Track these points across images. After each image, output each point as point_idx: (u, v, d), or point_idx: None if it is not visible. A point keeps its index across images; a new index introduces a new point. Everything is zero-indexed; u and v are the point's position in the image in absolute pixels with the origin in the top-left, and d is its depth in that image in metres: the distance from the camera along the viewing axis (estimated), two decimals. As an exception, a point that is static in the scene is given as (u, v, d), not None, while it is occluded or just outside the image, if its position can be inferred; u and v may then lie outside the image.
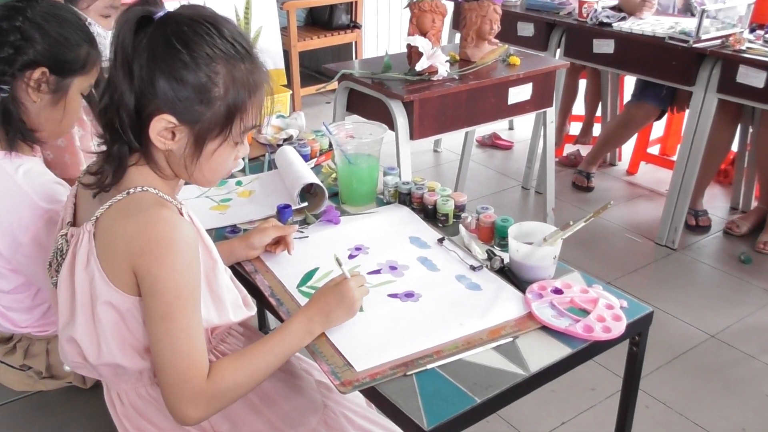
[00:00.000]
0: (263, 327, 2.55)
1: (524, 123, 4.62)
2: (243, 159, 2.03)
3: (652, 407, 2.42)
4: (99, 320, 1.14)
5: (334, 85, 2.84)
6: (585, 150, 4.25)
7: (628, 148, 4.24)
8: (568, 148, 4.37)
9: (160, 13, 1.12)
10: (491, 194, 3.97)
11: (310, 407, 1.41)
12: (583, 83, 4.33)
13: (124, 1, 1.97)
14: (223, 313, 1.26)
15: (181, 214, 1.18)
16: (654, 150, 4.29)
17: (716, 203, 3.84)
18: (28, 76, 1.44)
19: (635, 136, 4.06)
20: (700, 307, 2.99)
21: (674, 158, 4.18)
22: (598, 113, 4.38)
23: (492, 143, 4.53)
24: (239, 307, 1.30)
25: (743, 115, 3.50)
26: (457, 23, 2.95)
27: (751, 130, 3.62)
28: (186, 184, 1.31)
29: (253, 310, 1.33)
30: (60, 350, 1.24)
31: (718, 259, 3.35)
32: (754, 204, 3.69)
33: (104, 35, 1.89)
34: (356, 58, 5.07)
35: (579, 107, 4.48)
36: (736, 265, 3.29)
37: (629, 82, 4.14)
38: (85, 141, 1.83)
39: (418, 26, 2.74)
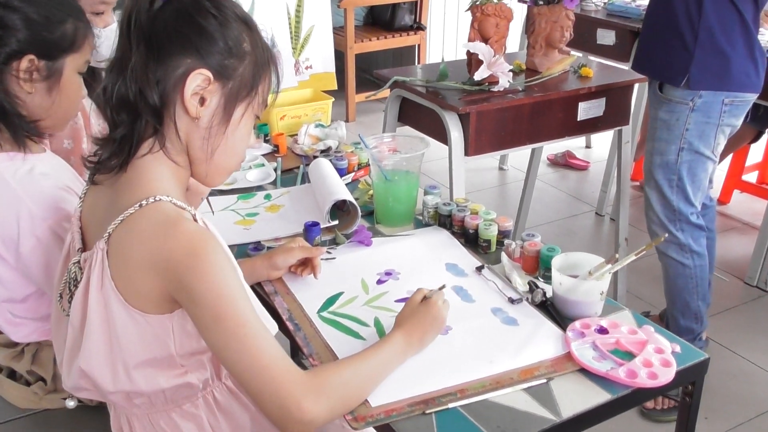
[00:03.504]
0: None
1: (603, 141, 4.60)
2: (275, 170, 2.10)
3: None
4: (116, 343, 1.20)
5: (386, 92, 2.90)
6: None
7: (720, 174, 4.18)
8: (652, 171, 4.33)
9: None
10: (560, 220, 3.97)
11: None
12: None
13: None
14: None
15: (195, 221, 1.23)
16: (750, 177, 4.22)
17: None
18: (16, 68, 1.48)
19: (728, 161, 4.00)
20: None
21: (773, 187, 4.13)
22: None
23: (565, 162, 4.53)
24: (267, 319, 1.35)
25: None
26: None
27: None
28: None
29: (275, 329, 1.38)
30: (67, 382, 1.30)
31: (819, 304, 3.28)
32: None
33: (96, 33, 1.94)
34: (419, 62, 5.14)
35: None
36: (840, 313, 3.22)
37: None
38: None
39: (480, 31, 2.78)
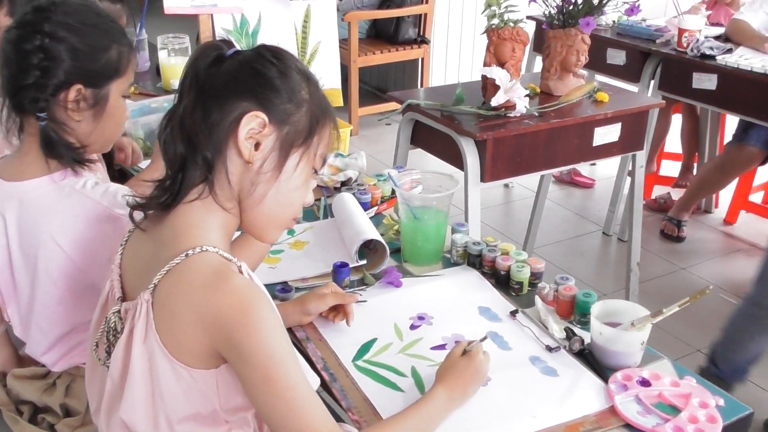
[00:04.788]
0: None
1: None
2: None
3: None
4: (159, 397, 1.16)
5: (393, 106, 2.87)
6: (677, 194, 4.20)
7: (726, 195, 4.18)
8: (657, 190, 4.31)
9: (234, 49, 1.22)
10: (567, 239, 3.95)
11: None
12: (676, 118, 4.28)
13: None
14: None
15: (241, 272, 1.20)
16: (756, 198, 4.21)
17: (827, 263, 3.74)
18: (64, 98, 1.47)
19: (735, 182, 3.99)
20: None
21: (780, 208, 4.13)
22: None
23: (570, 180, 4.51)
24: (309, 373, 1.31)
25: None
26: (538, 46, 2.95)
27: None
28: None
29: (317, 383, 1.35)
30: (106, 430, 1.27)
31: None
32: None
33: None
34: (423, 75, 5.11)
35: (671, 144, 4.44)
36: None
37: (731, 119, 4.08)
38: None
39: (495, 55, 2.75)
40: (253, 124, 1.18)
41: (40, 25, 1.44)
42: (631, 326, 1.46)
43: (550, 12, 2.85)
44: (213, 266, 1.15)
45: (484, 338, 1.44)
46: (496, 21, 2.74)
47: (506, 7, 2.73)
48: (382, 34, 5.09)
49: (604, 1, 2.80)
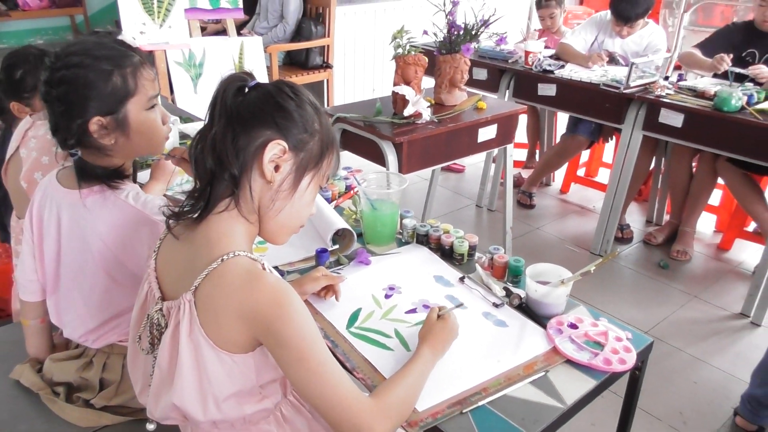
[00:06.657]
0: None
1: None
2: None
3: (605, 395, 2.40)
4: (206, 381, 1.04)
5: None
6: (526, 173, 4.26)
7: (560, 171, 4.26)
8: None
9: (255, 82, 1.09)
10: (450, 212, 3.93)
11: None
12: (521, 118, 4.32)
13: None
14: None
15: (264, 269, 1.08)
16: (581, 172, 4.33)
17: (634, 217, 3.89)
18: (90, 131, 1.29)
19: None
20: (632, 307, 3.00)
21: (597, 179, 4.24)
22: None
23: (447, 167, 4.49)
24: None
25: (658, 147, 3.55)
26: (430, 71, 2.88)
27: (664, 158, 3.68)
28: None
29: None
30: (155, 413, 1.12)
31: (642, 265, 3.38)
32: (666, 218, 3.75)
33: None
34: (328, 93, 4.96)
35: (518, 136, 4.48)
36: (657, 270, 3.33)
37: (562, 117, 4.16)
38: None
39: (402, 76, 2.67)
40: (275, 150, 1.06)
41: (49, 75, 1.26)
42: (561, 283, 1.41)
43: (440, 41, 2.78)
44: (246, 268, 1.03)
45: (460, 305, 1.37)
46: (401, 50, 2.65)
47: (408, 39, 2.66)
48: (295, 61, 4.89)
49: (479, 33, 2.75)
